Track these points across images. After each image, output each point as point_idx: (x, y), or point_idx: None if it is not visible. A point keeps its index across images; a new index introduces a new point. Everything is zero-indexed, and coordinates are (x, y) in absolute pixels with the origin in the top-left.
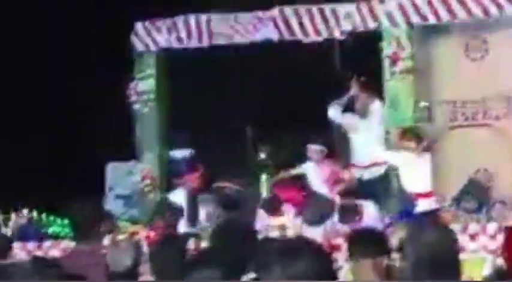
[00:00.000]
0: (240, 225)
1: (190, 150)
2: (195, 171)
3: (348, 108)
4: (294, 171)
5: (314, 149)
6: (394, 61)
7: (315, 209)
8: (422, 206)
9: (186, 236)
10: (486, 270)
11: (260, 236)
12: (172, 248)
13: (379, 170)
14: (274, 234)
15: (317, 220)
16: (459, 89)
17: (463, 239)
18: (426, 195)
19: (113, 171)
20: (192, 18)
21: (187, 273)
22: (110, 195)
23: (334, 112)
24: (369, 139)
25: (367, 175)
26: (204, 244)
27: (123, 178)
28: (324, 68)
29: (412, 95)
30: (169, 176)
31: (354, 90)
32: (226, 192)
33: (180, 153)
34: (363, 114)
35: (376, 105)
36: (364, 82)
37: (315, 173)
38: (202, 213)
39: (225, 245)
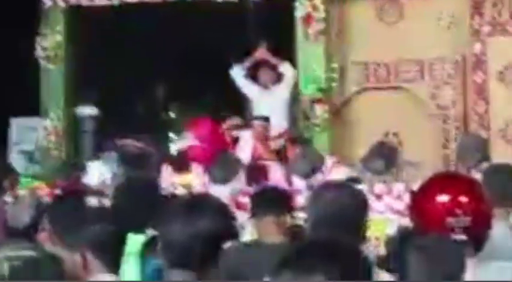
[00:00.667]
0: (142, 182)
1: (97, 108)
2: None
3: (252, 73)
4: None
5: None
6: (307, 22)
7: (222, 167)
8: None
9: (88, 193)
10: (390, 230)
11: (164, 194)
12: (72, 205)
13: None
14: (180, 191)
15: (223, 179)
16: (372, 51)
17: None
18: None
19: (17, 126)
20: None
21: (86, 231)
22: (14, 150)
23: (235, 74)
24: (273, 106)
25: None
26: (106, 201)
27: (28, 134)
28: (236, 29)
29: (325, 57)
30: (76, 133)
31: (262, 52)
32: (129, 149)
33: (87, 111)
34: (269, 79)
35: (284, 68)
36: (271, 44)
37: None
38: (106, 170)
39: (126, 202)
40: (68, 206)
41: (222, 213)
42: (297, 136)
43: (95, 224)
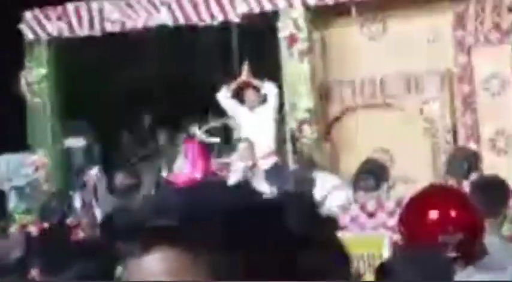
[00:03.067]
0: (128, 215)
1: (85, 139)
2: None
3: (238, 95)
4: None
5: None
6: (291, 43)
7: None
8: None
9: (68, 227)
10: (384, 246)
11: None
12: (55, 239)
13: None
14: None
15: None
16: (358, 68)
17: (362, 216)
18: None
19: (7, 162)
20: (83, 6)
21: (69, 265)
22: (6, 186)
23: (222, 97)
24: (260, 127)
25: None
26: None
27: (17, 170)
28: (221, 52)
29: (310, 77)
30: (65, 165)
31: (245, 74)
32: (119, 182)
33: (75, 142)
34: (254, 100)
35: (267, 88)
36: (254, 67)
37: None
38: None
39: (113, 234)
40: (52, 242)
41: None
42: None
43: (81, 259)
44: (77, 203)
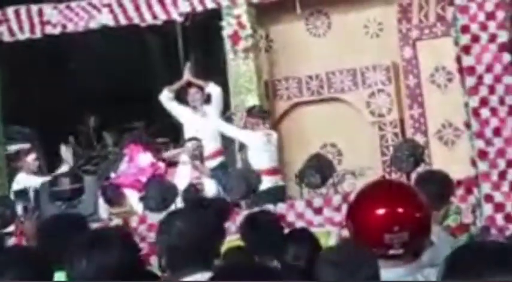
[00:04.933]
0: (67, 220)
1: (27, 143)
2: None
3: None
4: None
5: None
6: (235, 41)
7: (157, 195)
8: (268, 182)
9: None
10: (331, 242)
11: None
12: None
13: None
14: (116, 222)
15: (158, 207)
16: (303, 64)
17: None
18: (273, 172)
19: None
20: (22, 9)
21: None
22: None
23: (164, 98)
24: (205, 127)
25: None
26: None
27: None
28: (164, 52)
29: (255, 74)
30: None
31: (188, 74)
32: (62, 188)
33: (18, 148)
34: (198, 100)
35: (210, 88)
36: (198, 65)
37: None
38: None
39: (51, 240)
40: None
41: (125, 245)
42: (252, 108)
43: (15, 265)
44: (19, 209)
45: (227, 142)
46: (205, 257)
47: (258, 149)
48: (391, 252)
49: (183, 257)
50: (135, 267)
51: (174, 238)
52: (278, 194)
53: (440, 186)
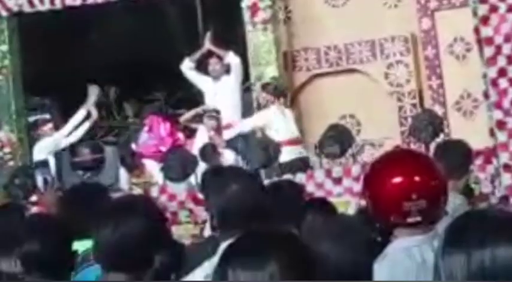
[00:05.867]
0: (88, 189)
1: (47, 114)
2: None
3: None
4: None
5: None
6: (253, 12)
7: (177, 165)
8: (291, 152)
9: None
10: (350, 212)
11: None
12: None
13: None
14: (137, 192)
15: (178, 177)
16: (322, 35)
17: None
18: (294, 142)
19: None
20: None
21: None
22: None
23: (185, 67)
24: (225, 96)
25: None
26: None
27: None
28: (184, 23)
29: (274, 45)
30: (30, 141)
31: (208, 44)
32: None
33: (35, 118)
34: (218, 70)
35: (230, 57)
36: (218, 36)
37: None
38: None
39: (73, 209)
40: (6, 218)
41: (150, 214)
42: (267, 84)
43: (37, 235)
44: (39, 180)
45: (247, 111)
46: (254, 221)
47: (276, 124)
48: (410, 220)
49: (234, 218)
50: (160, 234)
51: (227, 200)
52: (303, 165)
53: (460, 155)
